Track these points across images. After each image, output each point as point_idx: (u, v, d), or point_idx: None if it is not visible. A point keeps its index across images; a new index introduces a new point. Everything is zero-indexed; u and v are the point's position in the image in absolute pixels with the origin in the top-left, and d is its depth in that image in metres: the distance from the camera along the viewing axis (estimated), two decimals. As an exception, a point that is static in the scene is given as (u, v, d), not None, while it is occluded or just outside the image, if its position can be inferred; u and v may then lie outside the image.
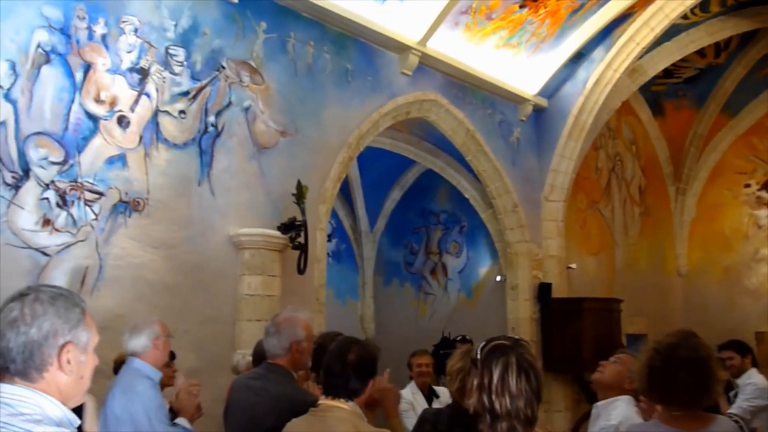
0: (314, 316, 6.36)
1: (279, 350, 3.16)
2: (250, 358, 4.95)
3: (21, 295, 1.48)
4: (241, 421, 3.15)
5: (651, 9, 8.84)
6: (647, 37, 9.05)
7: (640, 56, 9.50)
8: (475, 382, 1.82)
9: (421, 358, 5.33)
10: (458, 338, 7.25)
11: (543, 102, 9.60)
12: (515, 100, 9.39)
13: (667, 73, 10.76)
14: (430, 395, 5.51)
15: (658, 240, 12.54)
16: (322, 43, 6.96)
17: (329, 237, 10.99)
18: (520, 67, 9.02)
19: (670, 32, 9.47)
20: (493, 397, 1.77)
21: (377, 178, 11.51)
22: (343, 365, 2.60)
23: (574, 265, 9.93)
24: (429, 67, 8.10)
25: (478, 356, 1.86)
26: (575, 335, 8.84)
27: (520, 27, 8.41)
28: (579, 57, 9.27)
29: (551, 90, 9.58)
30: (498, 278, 10.03)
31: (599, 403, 3.41)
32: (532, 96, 9.44)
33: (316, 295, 6.67)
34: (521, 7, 8.13)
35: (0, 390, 1.39)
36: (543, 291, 9.33)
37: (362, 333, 11.62)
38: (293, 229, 6.12)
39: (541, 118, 9.76)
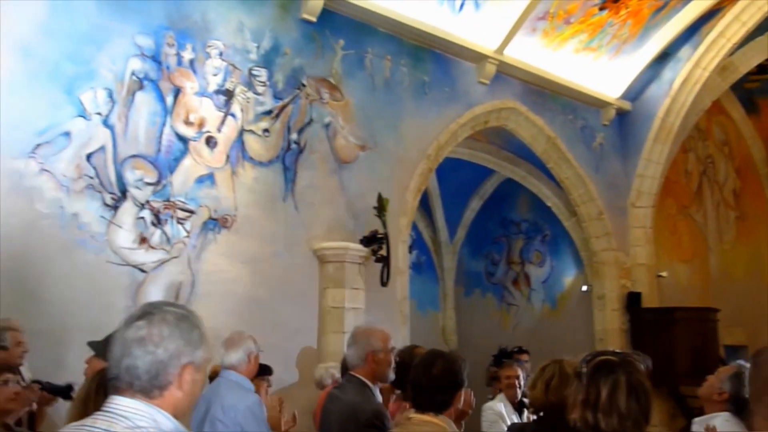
0: (398, 328, 6.39)
1: (357, 361, 3.20)
2: (333, 371, 5.03)
3: (147, 314, 1.52)
4: (321, 429, 3.30)
5: (742, 3, 8.42)
6: (738, 32, 8.62)
7: (731, 53, 9.04)
8: (580, 398, 1.77)
9: (510, 370, 5.23)
10: (515, 349, 7.08)
11: (626, 105, 9.29)
12: (597, 104, 9.14)
13: (761, 68, 10.18)
14: (520, 407, 5.39)
15: (756, 245, 11.82)
16: (399, 56, 7.01)
17: (410, 248, 11.01)
18: (601, 70, 8.78)
19: (763, 26, 8.97)
20: (600, 415, 1.71)
21: (456, 189, 11.45)
22: (429, 379, 2.60)
23: (664, 273, 9.52)
24: (507, 75, 8.01)
25: (583, 370, 1.80)
26: (668, 347, 8.45)
27: (601, 29, 8.20)
28: (664, 57, 8.93)
29: (635, 92, 9.26)
30: (584, 288, 9.74)
31: (697, 419, 3.25)
32: (615, 99, 9.16)
33: (400, 307, 6.69)
34: (601, 9, 7.93)
35: (118, 403, 1.46)
36: (632, 301, 8.99)
37: (444, 345, 11.54)
38: (375, 241, 6.18)
39: (625, 121, 9.44)
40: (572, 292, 10.43)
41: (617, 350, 1.93)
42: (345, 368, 3.67)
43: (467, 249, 12.21)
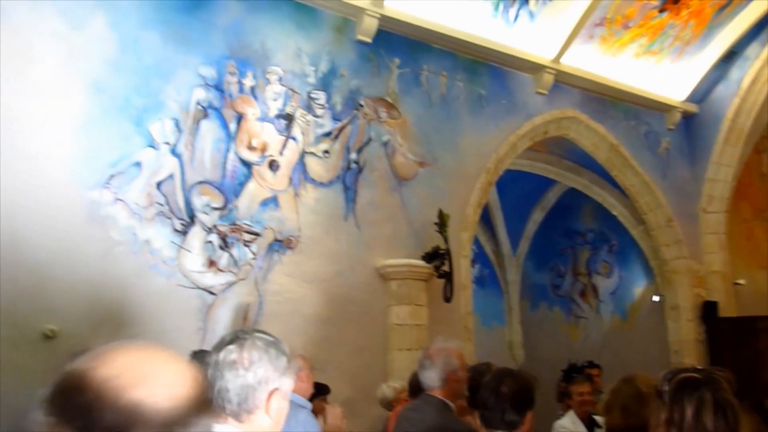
0: (463, 344, 6.33)
1: (436, 382, 3.17)
2: (396, 386, 5.02)
3: (238, 339, 1.60)
4: (400, 450, 3.21)
5: (812, -5, 8.06)
6: (809, 25, 8.25)
7: (802, 47, 8.65)
8: (663, 417, 1.71)
9: (582, 386, 5.08)
10: (585, 364, 6.85)
11: (693, 108, 9.00)
12: (661, 108, 8.89)
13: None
14: (591, 425, 5.24)
15: (841, 248, 11.18)
16: (455, 71, 7.03)
17: (472, 262, 10.92)
18: (664, 73, 8.55)
19: (836, 18, 8.55)
20: (685, 435, 1.65)
21: (517, 201, 11.31)
22: (498, 398, 2.56)
23: (742, 281, 9.11)
24: (565, 83, 7.90)
25: (665, 389, 1.75)
26: (751, 358, 8.05)
27: (661, 32, 8.00)
28: (730, 56, 8.62)
29: (701, 94, 8.96)
30: (655, 298, 9.41)
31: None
32: (680, 102, 8.89)
33: (464, 323, 6.64)
34: (661, 11, 7.74)
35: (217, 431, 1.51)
36: (708, 310, 8.62)
37: (511, 360, 11.35)
38: (437, 257, 6.17)
39: (692, 125, 9.14)
40: (643, 303, 10.09)
41: (698, 366, 1.85)
42: (415, 388, 3.66)
43: (531, 262, 12.01)
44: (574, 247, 11.37)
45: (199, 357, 3.26)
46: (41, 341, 4.55)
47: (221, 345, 1.59)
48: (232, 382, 1.53)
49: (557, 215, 11.42)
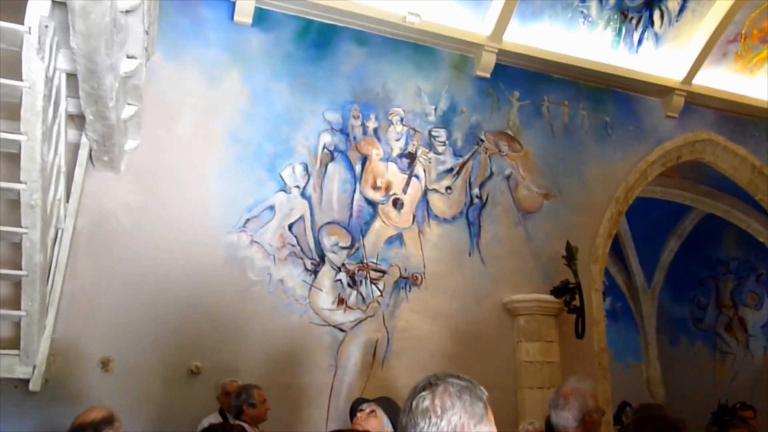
0: (598, 382, 6.06)
1: (572, 422, 3.05)
2: (537, 425, 4.86)
3: (431, 385, 1.54)
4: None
5: None
6: None
7: None
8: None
9: (737, 431, 4.68)
10: (738, 405, 6.24)
11: None
12: (810, 125, 8.17)
13: None
14: (747, 474, 4.80)
15: None
16: (577, 100, 6.88)
17: (603, 295, 10.45)
18: (810, 87, 7.88)
19: None
20: None
21: (650, 229, 10.72)
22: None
23: None
24: (697, 105, 7.48)
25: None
26: None
27: (805, 43, 7.40)
28: None
29: None
30: (815, 332, 8.53)
31: None
32: (832, 117, 8.13)
33: (598, 360, 6.34)
34: (803, 21, 7.18)
35: None
36: None
37: (650, 399, 10.65)
38: (567, 292, 5.97)
39: None
40: (801, 338, 9.19)
41: None
42: (549, 429, 3.54)
43: (668, 293, 11.29)
44: (716, 277, 10.57)
45: (356, 404, 3.35)
46: (187, 377, 4.87)
47: (414, 392, 1.55)
48: (426, 430, 1.48)
49: (695, 243, 10.69)
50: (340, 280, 5.47)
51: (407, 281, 5.71)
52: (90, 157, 4.77)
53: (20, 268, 3.76)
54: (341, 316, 5.40)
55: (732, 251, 10.25)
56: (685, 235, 10.75)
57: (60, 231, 4.49)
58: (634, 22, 6.77)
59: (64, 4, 2.92)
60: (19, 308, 3.91)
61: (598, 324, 6.46)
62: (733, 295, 10.33)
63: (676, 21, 6.88)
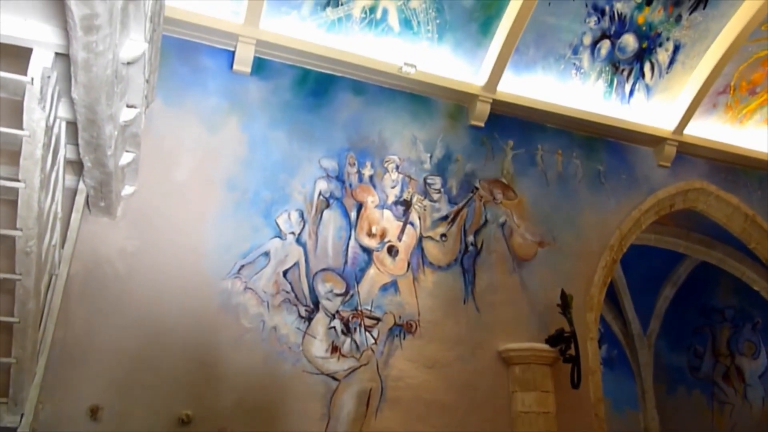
0: (595, 433, 5.98)
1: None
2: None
3: None
4: None
5: None
6: None
7: None
8: None
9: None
10: None
11: (837, 172, 8.30)
12: (800, 174, 8.28)
13: None
14: None
15: None
16: (570, 149, 6.97)
17: (598, 343, 10.37)
18: (800, 138, 8.01)
19: None
20: None
21: (645, 277, 10.73)
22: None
23: None
24: (689, 154, 7.59)
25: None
26: None
27: (794, 95, 7.56)
28: None
29: None
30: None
31: None
32: (822, 167, 8.24)
33: (594, 410, 6.27)
34: (791, 74, 7.35)
35: None
36: None
37: (649, 449, 10.50)
38: (562, 341, 5.94)
39: (839, 190, 8.41)
40: (798, 388, 9.11)
41: None
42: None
43: (664, 341, 11.23)
44: (712, 326, 10.54)
45: None
46: (178, 426, 4.79)
47: None
48: None
49: (690, 291, 10.69)
50: (334, 327, 5.44)
51: (402, 329, 5.68)
52: (86, 202, 4.79)
53: (12, 314, 3.73)
54: (335, 365, 5.35)
55: (727, 299, 10.24)
56: (680, 282, 10.76)
57: (54, 277, 4.47)
58: (625, 73, 6.93)
59: (67, 55, 2.98)
60: (9, 355, 3.87)
61: (594, 374, 6.41)
62: (729, 343, 10.29)
63: (666, 73, 7.04)
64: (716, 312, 10.47)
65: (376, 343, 5.54)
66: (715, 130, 7.64)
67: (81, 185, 4.68)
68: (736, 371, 10.12)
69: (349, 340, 5.46)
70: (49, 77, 3.17)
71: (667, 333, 11.11)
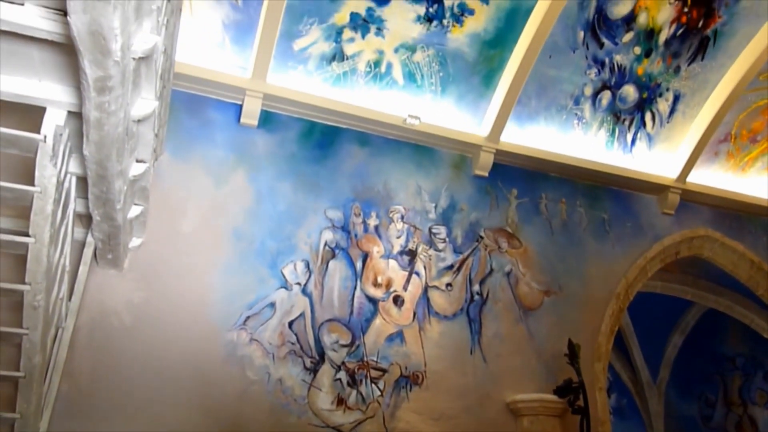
0: (606, 488, 5.84)
1: None
2: None
3: None
4: None
5: None
6: None
7: None
8: None
9: None
10: None
11: (842, 218, 8.30)
12: (805, 221, 8.28)
13: None
14: None
15: None
16: (574, 198, 7.02)
17: (607, 392, 10.21)
18: (803, 184, 8.05)
19: None
20: None
21: (653, 324, 10.62)
22: None
23: None
24: (693, 202, 7.62)
25: None
26: None
27: (795, 143, 7.64)
28: None
29: None
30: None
31: None
32: (827, 214, 8.25)
33: (605, 464, 6.15)
34: (791, 123, 7.43)
35: None
36: None
37: (663, 502, 10.22)
38: (570, 391, 5.85)
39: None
40: (814, 438, 8.92)
41: None
42: None
43: (675, 390, 11.04)
44: (723, 374, 10.39)
45: None
46: (182, 481, 4.71)
47: None
48: None
49: (699, 339, 10.57)
50: (339, 379, 5.39)
51: (408, 380, 5.63)
52: (94, 255, 4.83)
53: (18, 369, 3.73)
54: (340, 417, 5.28)
55: (737, 347, 10.12)
56: (689, 329, 10.64)
57: (60, 330, 4.48)
58: (626, 123, 7.02)
59: (79, 113, 3.06)
60: (13, 409, 3.85)
61: (604, 424, 6.30)
62: (741, 392, 10.12)
63: (667, 122, 7.13)
64: (726, 360, 10.33)
65: (382, 395, 5.49)
66: (717, 177, 7.70)
67: (89, 238, 4.73)
68: (749, 421, 9.92)
69: (355, 392, 5.41)
70: (61, 135, 3.25)
71: (678, 381, 10.94)
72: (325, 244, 5.77)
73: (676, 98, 7.05)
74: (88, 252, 4.78)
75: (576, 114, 6.80)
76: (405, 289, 5.89)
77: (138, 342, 4.94)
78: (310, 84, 5.97)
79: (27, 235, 3.38)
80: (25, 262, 3.50)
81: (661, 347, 10.92)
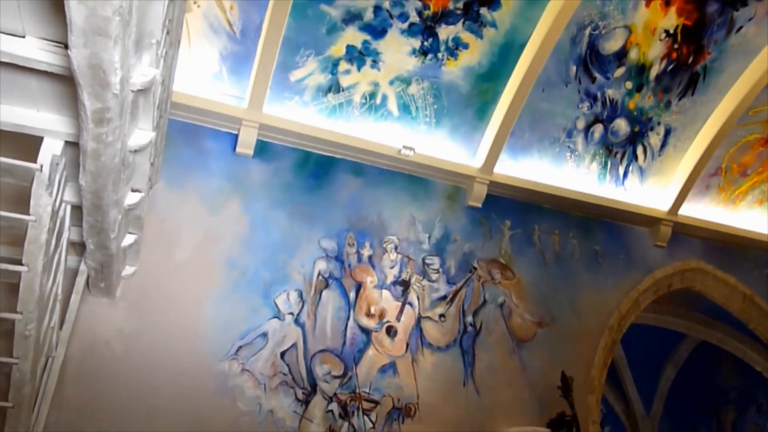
0: None
1: None
2: None
3: None
4: None
5: None
6: None
7: None
8: None
9: None
10: None
11: (832, 252, 8.36)
12: (796, 254, 8.33)
13: None
14: None
15: None
16: (567, 230, 7.05)
17: (601, 424, 10.13)
18: (794, 218, 8.12)
19: None
20: None
21: (646, 356, 10.59)
22: None
23: None
24: (684, 234, 7.67)
25: None
26: None
27: (785, 177, 7.72)
28: None
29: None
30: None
31: None
32: (817, 247, 8.30)
33: (599, 499, 6.08)
34: (781, 157, 7.53)
35: None
36: None
37: None
38: (564, 424, 5.83)
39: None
40: (809, 474, 8.85)
41: None
42: None
43: (668, 423, 10.97)
44: (716, 408, 10.34)
45: None
46: None
47: None
48: None
49: (692, 371, 10.54)
50: (331, 410, 5.35)
51: (400, 412, 5.58)
52: (87, 283, 4.81)
53: (6, 399, 3.69)
54: (332, 450, 5.23)
55: (730, 380, 10.10)
56: (682, 362, 10.62)
57: (50, 359, 4.44)
58: (618, 156, 7.10)
59: (76, 143, 3.08)
60: (0, 441, 3.80)
61: (598, 459, 6.25)
62: (735, 426, 10.07)
63: (659, 156, 7.21)
64: (719, 393, 10.29)
65: (374, 427, 5.44)
66: (709, 210, 7.76)
67: (82, 266, 4.72)
68: (743, 455, 9.86)
69: (347, 424, 5.36)
70: (57, 164, 3.27)
71: (671, 414, 10.88)
72: (319, 273, 5.76)
73: (668, 132, 7.14)
74: (80, 280, 4.76)
75: (569, 147, 6.87)
76: (398, 319, 5.88)
77: (128, 372, 4.89)
78: (305, 114, 6.03)
79: (20, 263, 3.37)
80: (17, 290, 3.48)
81: (654, 379, 10.88)
